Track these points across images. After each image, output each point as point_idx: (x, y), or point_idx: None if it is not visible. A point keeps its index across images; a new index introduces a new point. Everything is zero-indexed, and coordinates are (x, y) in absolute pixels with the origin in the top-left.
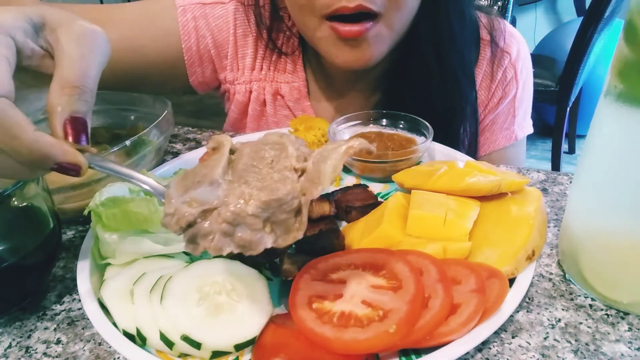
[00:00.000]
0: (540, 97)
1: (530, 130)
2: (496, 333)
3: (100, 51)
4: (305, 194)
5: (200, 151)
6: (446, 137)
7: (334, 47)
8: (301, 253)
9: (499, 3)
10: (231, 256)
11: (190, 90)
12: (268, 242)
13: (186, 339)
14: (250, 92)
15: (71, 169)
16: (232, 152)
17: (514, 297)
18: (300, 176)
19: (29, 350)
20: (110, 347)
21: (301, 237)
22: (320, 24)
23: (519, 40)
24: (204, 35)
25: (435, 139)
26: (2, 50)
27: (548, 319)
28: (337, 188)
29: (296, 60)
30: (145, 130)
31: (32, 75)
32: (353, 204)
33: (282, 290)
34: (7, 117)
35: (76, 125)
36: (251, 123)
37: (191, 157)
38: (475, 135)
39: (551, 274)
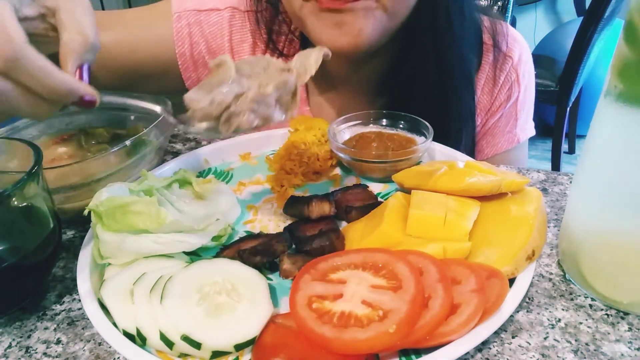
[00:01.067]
0: (540, 97)
1: (532, 132)
2: (496, 333)
3: (91, 11)
4: (297, 82)
5: (200, 151)
6: (444, 140)
7: (318, 21)
8: (301, 253)
9: (499, 3)
10: (231, 257)
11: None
12: (279, 115)
13: (186, 339)
14: None
15: (90, 101)
16: None
17: (514, 297)
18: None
19: (29, 350)
20: (110, 347)
21: (296, 114)
22: (305, 2)
23: (522, 44)
24: (197, 42)
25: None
26: (5, 8)
27: (548, 319)
28: (337, 188)
29: None
30: (145, 130)
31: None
32: (353, 204)
33: (282, 290)
34: (38, 59)
35: (82, 71)
36: None
37: (191, 157)
38: (473, 139)
39: (551, 274)
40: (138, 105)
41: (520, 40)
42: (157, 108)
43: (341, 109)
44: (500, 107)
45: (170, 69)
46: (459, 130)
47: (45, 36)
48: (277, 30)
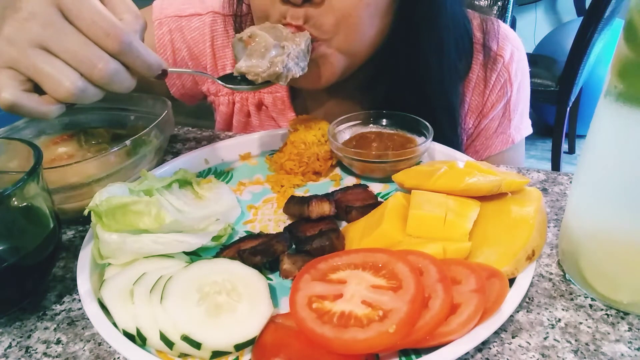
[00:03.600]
0: (540, 97)
1: (529, 131)
2: (496, 333)
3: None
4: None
5: (201, 151)
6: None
7: None
8: (301, 253)
9: (499, 3)
10: (231, 257)
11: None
12: (305, 66)
13: (186, 339)
14: (234, 103)
15: (165, 73)
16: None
17: (514, 297)
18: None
19: (29, 350)
20: (110, 347)
21: (306, 69)
22: None
23: (513, 42)
24: (179, 48)
25: None
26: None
27: (548, 319)
28: (337, 188)
29: None
30: (145, 130)
31: None
32: (353, 204)
33: (282, 290)
34: (141, 42)
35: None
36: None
37: (191, 157)
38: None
39: (551, 274)
40: (138, 105)
41: (512, 37)
42: (157, 108)
43: (326, 114)
44: (493, 107)
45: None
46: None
47: None
48: None
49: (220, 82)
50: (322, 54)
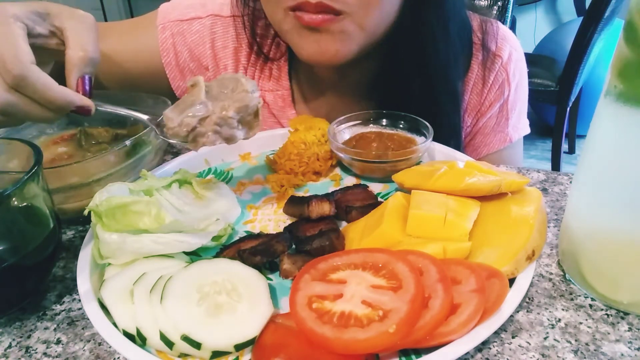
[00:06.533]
0: (540, 97)
1: (527, 131)
2: (496, 333)
3: (94, 28)
4: (259, 104)
5: (201, 151)
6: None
7: (299, 37)
8: (301, 253)
9: (499, 3)
10: (231, 257)
11: None
12: (241, 135)
13: (186, 339)
14: None
15: (85, 110)
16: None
17: (514, 297)
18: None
19: (29, 350)
20: (110, 347)
21: (258, 131)
22: (286, 16)
23: (512, 43)
24: (181, 51)
25: None
26: (18, 31)
27: (548, 319)
28: (337, 188)
29: (282, 67)
30: (145, 130)
31: (38, 53)
32: (353, 204)
33: (282, 290)
34: (41, 77)
35: (84, 82)
36: None
37: (191, 157)
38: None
39: (551, 274)
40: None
41: (511, 38)
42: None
43: (328, 112)
44: (491, 106)
45: (160, 78)
46: (446, 143)
47: (57, 50)
48: (263, 34)
49: (157, 131)
50: (344, 29)
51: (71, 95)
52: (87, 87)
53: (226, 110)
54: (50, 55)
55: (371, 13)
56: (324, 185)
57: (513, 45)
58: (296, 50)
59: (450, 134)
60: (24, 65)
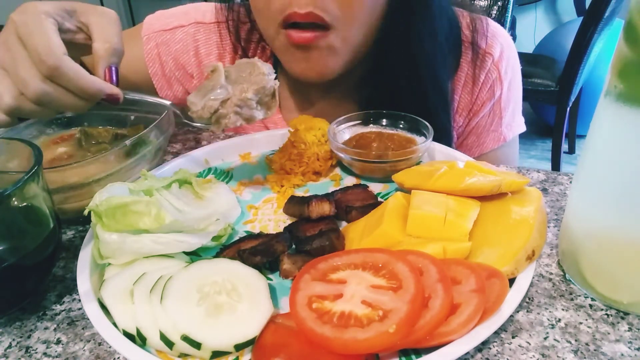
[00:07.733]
0: (540, 97)
1: (522, 129)
2: (496, 333)
3: (117, 22)
4: (276, 85)
5: (200, 151)
6: None
7: (289, 55)
8: (301, 253)
9: (499, 3)
10: (231, 257)
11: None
12: (260, 115)
13: (186, 339)
14: None
15: (114, 97)
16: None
17: (514, 297)
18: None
19: (29, 350)
20: (110, 347)
21: (275, 111)
22: (278, 33)
23: (503, 40)
24: (166, 61)
25: None
26: (51, 26)
27: (548, 319)
28: (337, 188)
29: None
30: (145, 130)
31: (67, 48)
32: (353, 204)
33: (282, 290)
34: (74, 66)
35: (111, 71)
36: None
37: (191, 157)
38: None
39: (551, 274)
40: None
41: (502, 35)
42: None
43: (316, 115)
44: (483, 106)
45: (149, 89)
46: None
47: (84, 44)
48: (247, 38)
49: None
50: (330, 44)
51: (102, 83)
52: (114, 77)
53: (245, 92)
54: (78, 50)
55: (353, 25)
56: (324, 185)
57: (504, 42)
58: (286, 67)
59: (440, 135)
60: (58, 56)
